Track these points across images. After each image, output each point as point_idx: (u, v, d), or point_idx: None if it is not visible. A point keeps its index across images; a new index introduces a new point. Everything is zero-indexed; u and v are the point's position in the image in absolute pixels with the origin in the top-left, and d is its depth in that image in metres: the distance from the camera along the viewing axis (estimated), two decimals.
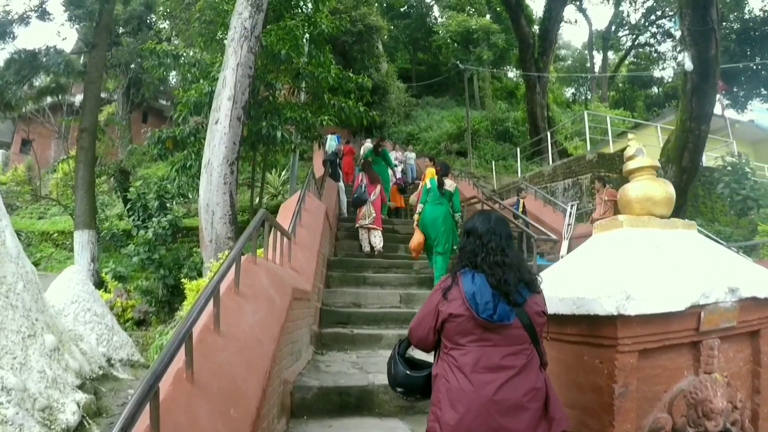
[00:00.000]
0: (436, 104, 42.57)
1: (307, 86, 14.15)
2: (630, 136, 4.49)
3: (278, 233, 6.57)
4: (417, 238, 9.88)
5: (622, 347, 3.21)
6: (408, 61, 46.64)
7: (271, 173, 20.62)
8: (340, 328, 8.18)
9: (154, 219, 13.05)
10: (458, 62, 35.20)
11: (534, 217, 15.04)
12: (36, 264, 21.04)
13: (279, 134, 12.63)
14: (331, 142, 22.75)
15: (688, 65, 14.27)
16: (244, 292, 4.40)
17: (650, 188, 3.99)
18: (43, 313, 5.30)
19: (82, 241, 16.20)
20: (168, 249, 12.96)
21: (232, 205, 10.66)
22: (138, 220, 13.73)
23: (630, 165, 4.18)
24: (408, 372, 3.42)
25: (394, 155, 19.32)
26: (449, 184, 10.08)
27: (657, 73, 54.61)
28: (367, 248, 12.16)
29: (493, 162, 28.20)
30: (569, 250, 14.98)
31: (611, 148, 20.90)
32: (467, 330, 2.97)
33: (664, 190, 3.99)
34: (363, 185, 12.63)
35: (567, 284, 3.65)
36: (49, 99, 24.34)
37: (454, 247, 9.26)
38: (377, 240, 12.23)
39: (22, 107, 21.42)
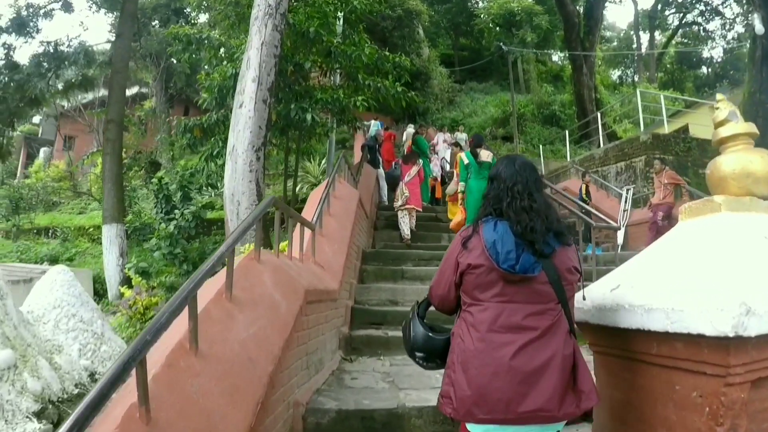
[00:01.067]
0: (479, 89, 41.53)
1: (340, 66, 13.19)
2: (719, 96, 3.48)
3: (300, 226, 5.82)
4: (460, 219, 9.71)
5: (732, 377, 2.34)
6: (450, 46, 45.62)
7: (310, 162, 19.80)
8: (374, 329, 7.30)
9: (177, 211, 12.34)
10: (501, 44, 34.23)
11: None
12: (70, 260, 20.66)
13: (309, 117, 11.75)
14: (374, 128, 22.03)
15: (759, 28, 13.03)
16: (239, 298, 3.56)
17: (749, 162, 3.05)
18: (1, 323, 4.51)
19: (111, 235, 15.53)
20: (192, 242, 12.29)
21: (260, 195, 9.86)
22: (161, 212, 13.06)
23: (721, 132, 3.27)
24: (429, 333, 3.06)
25: (442, 137, 18.38)
26: (486, 154, 9.83)
27: (705, 54, 53.57)
28: (406, 234, 11.49)
29: (540, 146, 27.10)
30: (626, 237, 14.05)
31: (666, 129, 19.68)
32: (487, 283, 2.63)
33: (766, 163, 3.03)
34: (396, 164, 12.68)
35: (650, 289, 2.81)
36: (81, 95, 23.93)
37: None
38: (412, 221, 11.83)
39: (51, 102, 21.05)
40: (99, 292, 16.40)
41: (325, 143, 17.20)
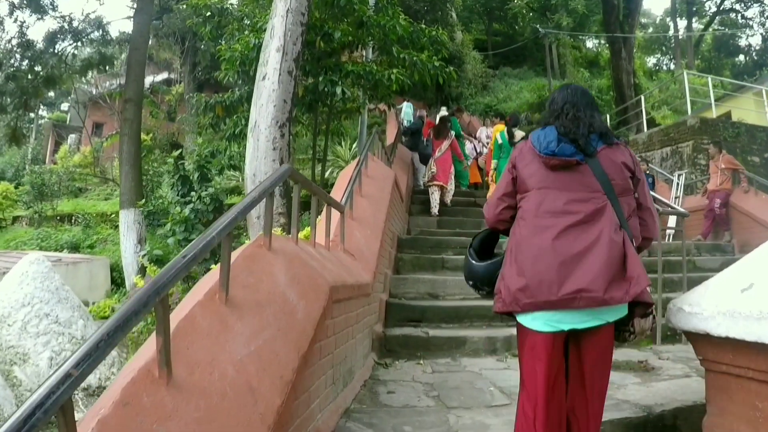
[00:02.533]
0: (513, 75, 40.99)
1: (372, 38, 12.13)
2: None
3: (328, 206, 4.84)
4: (491, 192, 8.81)
5: None
6: (483, 32, 45.03)
7: (340, 145, 18.83)
8: (412, 327, 6.34)
9: (193, 193, 11.36)
10: (537, 26, 33.48)
11: None
12: (91, 247, 19.99)
13: (339, 90, 10.71)
14: (407, 110, 21.26)
15: None
16: (238, 300, 2.55)
17: None
18: None
19: (128, 221, 14.59)
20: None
21: None
22: (177, 194, 12.07)
23: None
24: (472, 261, 3.30)
25: (485, 132, 17.03)
26: (520, 135, 9.92)
27: (743, 41, 53.34)
28: (433, 208, 11.58)
29: None
30: (678, 226, 13.04)
31: (714, 113, 18.67)
32: (533, 173, 2.87)
33: None
34: (427, 140, 12.51)
35: None
36: (105, 79, 23.20)
37: None
38: (438, 197, 11.68)
39: (68, 82, 20.36)
40: (117, 282, 15.68)
41: (356, 124, 16.19)
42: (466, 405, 4.14)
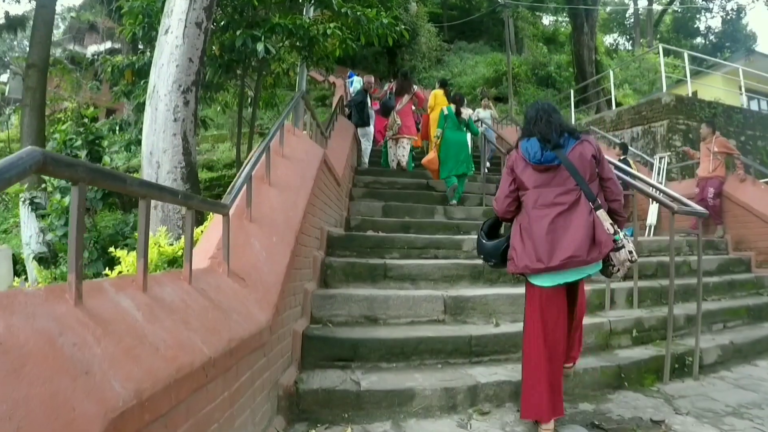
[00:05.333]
0: (469, 49, 40.40)
1: None
2: None
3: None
4: (432, 156, 10.66)
5: None
6: (438, 5, 43.85)
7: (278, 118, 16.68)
8: (339, 371, 4.52)
9: None
10: None
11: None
12: (6, 232, 17.72)
13: (261, 47, 8.69)
14: (357, 85, 19.84)
15: None
16: None
17: None
18: None
19: (40, 201, 12.14)
20: (102, 219, 9.31)
21: (187, 153, 7.09)
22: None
23: None
24: (489, 242, 4.48)
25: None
26: (465, 113, 10.93)
27: (702, 26, 54.70)
28: (394, 165, 12.45)
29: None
30: (659, 217, 11.50)
31: (689, 91, 17.27)
32: (527, 176, 4.08)
33: None
34: (390, 92, 12.89)
35: None
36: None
37: (471, 172, 10.99)
38: (403, 152, 12.46)
39: None
40: (23, 273, 13.46)
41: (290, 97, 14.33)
42: None
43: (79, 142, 8.78)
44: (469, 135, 11.51)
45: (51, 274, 8.26)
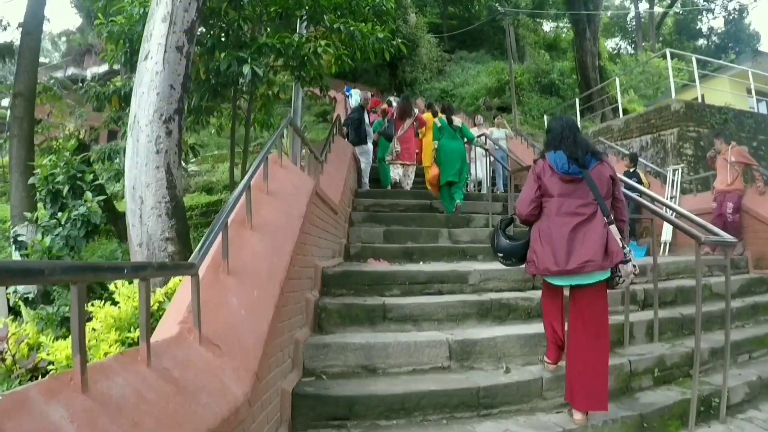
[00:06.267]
0: (470, 58, 40.60)
1: (301, 6, 9.66)
2: None
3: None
4: (434, 171, 10.80)
5: None
6: (438, 15, 44.27)
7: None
8: (333, 431, 4.07)
9: (60, 213, 8.37)
10: (497, 4, 31.90)
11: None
12: None
13: (247, 69, 8.22)
14: (356, 97, 19.44)
15: None
16: None
17: None
18: None
19: (26, 233, 11.22)
20: (84, 252, 8.73)
21: (172, 186, 6.65)
22: (47, 216, 9.01)
23: None
24: (508, 241, 4.94)
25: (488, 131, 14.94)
26: (457, 120, 11.33)
27: (705, 25, 54.56)
28: (397, 179, 12.61)
29: (545, 117, 24.46)
30: (674, 233, 11.02)
31: (699, 96, 16.82)
32: (553, 184, 4.48)
33: None
34: (389, 121, 12.70)
35: None
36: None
37: (467, 178, 11.50)
38: (407, 180, 12.66)
39: None
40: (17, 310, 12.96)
41: (288, 115, 13.90)
42: None
43: (60, 177, 8.31)
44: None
45: (38, 315, 7.75)
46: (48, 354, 4.33)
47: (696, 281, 5.19)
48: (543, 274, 4.51)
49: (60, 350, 4.20)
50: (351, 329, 5.45)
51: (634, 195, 6.46)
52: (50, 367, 4.29)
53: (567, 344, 4.59)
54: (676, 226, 6.01)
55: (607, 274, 4.37)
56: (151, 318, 4.32)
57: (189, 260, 3.05)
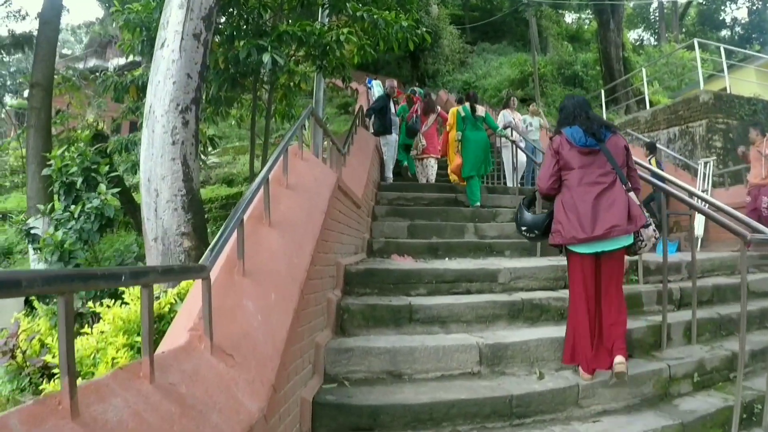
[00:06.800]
0: (492, 50, 40.09)
1: None
2: None
3: None
4: (458, 161, 10.69)
5: None
6: (460, 7, 43.91)
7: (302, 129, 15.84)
8: None
9: (73, 207, 7.74)
10: None
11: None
12: (19, 252, 17.16)
13: (268, 58, 7.92)
14: (378, 88, 19.18)
15: None
16: None
17: None
18: None
19: (39, 227, 11.28)
20: (98, 247, 8.44)
21: (188, 179, 6.41)
22: (61, 208, 8.67)
23: None
24: (530, 215, 5.17)
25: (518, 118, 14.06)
26: (481, 110, 11.05)
27: (728, 17, 53.91)
28: (423, 180, 12.48)
29: None
30: (706, 227, 10.65)
31: (728, 87, 16.44)
32: (572, 157, 4.66)
33: None
34: (414, 116, 12.68)
35: None
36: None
37: (490, 170, 11.68)
38: (429, 171, 12.56)
39: None
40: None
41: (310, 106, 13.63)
42: None
43: (74, 169, 8.05)
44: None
45: (51, 310, 7.52)
46: (54, 357, 4.06)
47: (741, 281, 4.88)
48: (569, 243, 4.60)
49: None
50: (375, 331, 5.17)
51: (671, 188, 6.16)
52: (56, 371, 4.03)
53: (601, 309, 4.70)
54: (718, 223, 5.61)
55: (630, 239, 4.61)
56: (162, 320, 4.11)
57: (200, 261, 2.77)
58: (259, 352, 2.99)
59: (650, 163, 11.22)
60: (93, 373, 3.78)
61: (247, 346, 2.95)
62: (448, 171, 11.34)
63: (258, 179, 3.81)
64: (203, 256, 2.85)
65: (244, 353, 2.89)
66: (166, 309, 4.16)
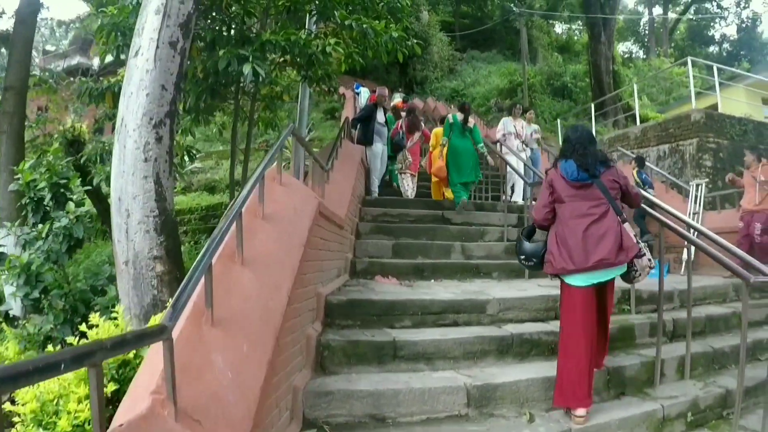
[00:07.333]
0: (482, 58, 40.13)
1: (310, 1, 9.09)
2: None
3: None
4: (440, 164, 11.15)
5: None
6: (451, 13, 44.08)
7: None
8: None
9: (41, 225, 7.61)
10: (512, 5, 31.66)
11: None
12: None
13: (248, 69, 7.54)
14: (365, 95, 18.86)
15: None
16: None
17: None
18: None
19: (8, 244, 9.53)
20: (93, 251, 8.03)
21: (161, 199, 6.02)
22: (29, 226, 8.11)
23: None
24: (530, 245, 5.20)
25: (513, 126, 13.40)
26: (471, 121, 11.42)
27: (717, 34, 54.79)
28: (406, 194, 12.40)
29: (558, 121, 24.29)
30: (696, 252, 10.42)
31: (720, 106, 16.41)
32: (563, 190, 4.75)
33: None
34: (401, 132, 12.63)
35: None
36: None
37: (479, 179, 11.74)
38: (410, 186, 12.57)
39: None
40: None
41: (295, 112, 13.29)
42: None
43: (43, 184, 7.60)
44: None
45: (19, 334, 7.05)
46: (14, 404, 3.65)
47: (742, 325, 4.87)
48: (560, 273, 4.67)
49: (29, 399, 3.55)
50: (357, 369, 4.86)
51: (670, 221, 5.96)
52: (16, 420, 3.62)
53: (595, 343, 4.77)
54: (720, 263, 5.35)
55: (622, 270, 4.69)
56: (128, 366, 3.79)
57: (161, 320, 2.46)
58: (229, 415, 2.69)
59: (632, 174, 11.16)
60: (55, 423, 3.43)
61: (217, 409, 2.65)
62: (431, 183, 12.13)
63: (231, 213, 3.49)
64: (165, 313, 2.55)
65: (213, 417, 2.59)
66: (131, 355, 3.82)
